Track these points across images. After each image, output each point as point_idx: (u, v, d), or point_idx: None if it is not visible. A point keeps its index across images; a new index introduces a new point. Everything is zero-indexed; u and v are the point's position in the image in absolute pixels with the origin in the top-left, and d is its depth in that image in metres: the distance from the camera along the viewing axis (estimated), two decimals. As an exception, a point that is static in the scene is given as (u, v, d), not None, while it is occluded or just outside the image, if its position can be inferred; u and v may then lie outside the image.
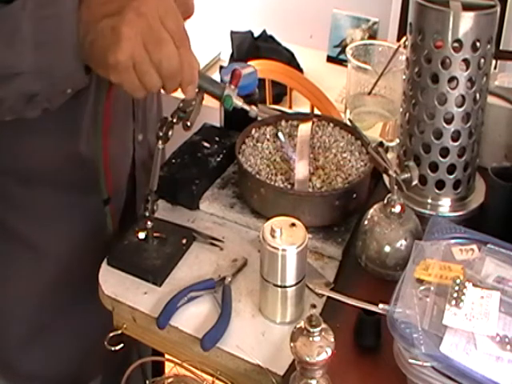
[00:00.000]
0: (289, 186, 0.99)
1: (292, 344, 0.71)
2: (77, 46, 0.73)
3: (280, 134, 1.06)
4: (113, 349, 0.90)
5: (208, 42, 2.61)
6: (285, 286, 0.83)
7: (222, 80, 1.14)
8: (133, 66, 0.71)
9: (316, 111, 2.17)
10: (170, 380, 0.86)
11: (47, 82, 0.76)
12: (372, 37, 2.55)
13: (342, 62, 2.53)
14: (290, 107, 2.35)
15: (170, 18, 0.72)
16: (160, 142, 0.88)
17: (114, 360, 0.98)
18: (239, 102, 0.85)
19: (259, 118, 1.12)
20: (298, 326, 0.72)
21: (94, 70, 0.76)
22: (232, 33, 2.60)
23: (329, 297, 0.88)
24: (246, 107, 0.87)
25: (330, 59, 2.64)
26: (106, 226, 1.04)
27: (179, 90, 0.77)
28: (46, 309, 1.03)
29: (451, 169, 0.97)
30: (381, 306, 0.77)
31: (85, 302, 1.00)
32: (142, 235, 0.95)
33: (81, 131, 0.93)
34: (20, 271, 1.01)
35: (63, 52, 0.74)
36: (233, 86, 0.85)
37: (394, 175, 0.88)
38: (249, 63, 1.22)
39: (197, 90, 0.81)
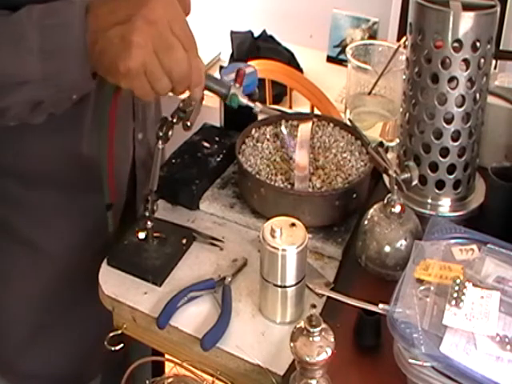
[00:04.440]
0: (289, 186, 0.99)
1: (292, 344, 0.71)
2: (84, 54, 0.74)
3: (283, 128, 1.07)
4: (113, 349, 0.90)
5: (208, 42, 2.61)
6: (285, 286, 0.83)
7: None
8: (144, 73, 0.72)
9: (316, 111, 2.17)
10: (170, 380, 0.86)
11: (54, 90, 0.76)
12: (372, 37, 2.55)
13: (341, 62, 2.53)
14: (290, 107, 2.35)
15: (177, 23, 0.73)
16: (160, 141, 0.88)
17: (114, 360, 0.98)
18: (244, 100, 0.88)
19: (260, 117, 1.12)
20: (297, 326, 0.72)
21: (103, 77, 0.76)
22: (232, 33, 2.60)
23: (329, 297, 0.88)
24: (251, 104, 0.90)
25: (330, 59, 2.64)
26: (107, 227, 1.04)
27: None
28: (46, 309, 1.03)
29: (451, 169, 0.97)
30: (381, 306, 0.77)
31: (85, 302, 1.00)
32: (142, 235, 0.95)
33: (83, 132, 0.93)
34: (21, 271, 1.01)
35: (70, 60, 0.74)
36: (237, 85, 0.88)
37: (394, 175, 0.88)
38: (249, 63, 1.22)
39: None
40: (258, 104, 0.91)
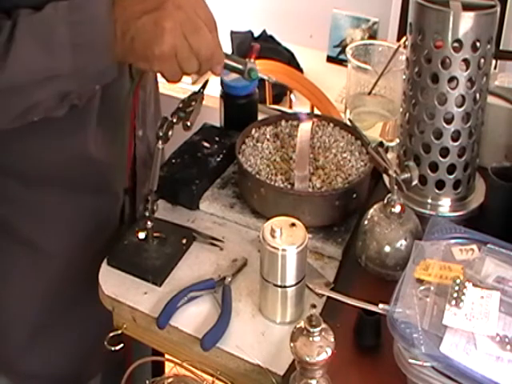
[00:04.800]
0: (289, 186, 0.99)
1: (292, 344, 0.71)
2: (111, 45, 0.78)
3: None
4: (113, 349, 0.90)
5: (208, 42, 2.60)
6: (285, 286, 0.83)
7: (222, 80, 1.14)
8: (175, 55, 0.79)
9: (316, 111, 2.16)
10: (170, 380, 0.86)
11: (82, 81, 0.80)
12: (372, 37, 2.54)
13: (342, 62, 2.52)
14: (290, 107, 2.35)
15: (201, 7, 0.80)
16: (160, 141, 0.88)
17: (114, 359, 0.98)
18: (259, 73, 0.92)
19: (260, 117, 1.12)
20: (297, 326, 0.72)
21: (134, 64, 0.83)
22: (232, 33, 2.60)
23: (329, 297, 0.88)
24: (265, 76, 0.97)
25: (329, 59, 2.63)
26: (119, 217, 1.06)
27: (178, 90, 0.80)
28: (46, 309, 1.03)
29: (451, 169, 0.97)
30: (381, 306, 0.77)
31: (85, 302, 1.00)
32: (142, 235, 0.95)
33: (87, 134, 0.94)
34: (21, 271, 1.01)
35: (98, 52, 0.78)
36: (252, 60, 0.92)
37: (394, 175, 0.88)
38: (249, 63, 1.22)
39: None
40: (270, 75, 0.98)
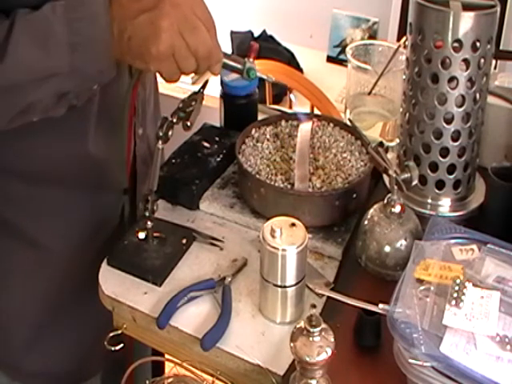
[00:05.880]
0: (289, 186, 0.99)
1: (292, 344, 0.71)
2: (109, 43, 0.78)
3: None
4: (113, 349, 0.90)
5: (208, 41, 2.61)
6: (285, 286, 0.83)
7: (222, 80, 1.14)
8: (172, 54, 0.78)
9: (316, 111, 2.17)
10: (170, 380, 0.86)
11: (80, 81, 0.80)
12: (372, 37, 2.54)
13: (342, 62, 2.52)
14: (290, 107, 2.35)
15: (198, 5, 0.80)
16: (160, 141, 0.88)
17: (114, 357, 0.98)
18: (258, 72, 0.92)
19: (260, 117, 1.12)
20: (298, 326, 0.72)
21: (131, 63, 0.83)
22: (232, 33, 2.60)
23: (329, 297, 0.88)
24: (264, 76, 0.95)
25: (329, 59, 2.63)
26: (119, 216, 1.06)
27: (178, 90, 0.80)
28: (47, 308, 1.03)
29: (451, 169, 0.97)
30: (381, 306, 0.77)
31: (86, 301, 1.00)
32: (142, 235, 0.95)
33: (88, 131, 0.94)
34: (22, 270, 1.01)
35: (97, 51, 0.78)
36: (251, 59, 0.92)
37: (394, 175, 0.88)
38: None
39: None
40: (269, 75, 0.96)
